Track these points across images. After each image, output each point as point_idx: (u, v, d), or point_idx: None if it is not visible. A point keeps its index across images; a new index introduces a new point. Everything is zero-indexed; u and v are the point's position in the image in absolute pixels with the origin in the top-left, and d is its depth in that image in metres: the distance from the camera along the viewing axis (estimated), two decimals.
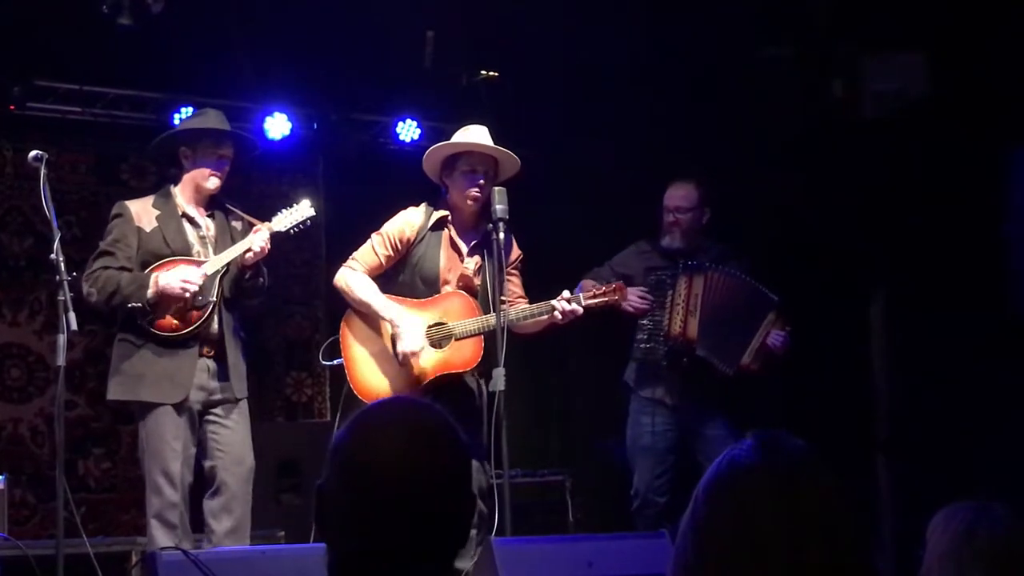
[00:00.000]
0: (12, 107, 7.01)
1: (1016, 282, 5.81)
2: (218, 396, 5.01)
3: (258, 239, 4.98)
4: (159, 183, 7.39)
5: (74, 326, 4.51)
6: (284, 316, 8.02)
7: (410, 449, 1.71)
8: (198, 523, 5.05)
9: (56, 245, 4.60)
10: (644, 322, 5.71)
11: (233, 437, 5.00)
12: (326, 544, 1.74)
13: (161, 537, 4.74)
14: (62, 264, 4.58)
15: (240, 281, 5.04)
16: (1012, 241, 5.83)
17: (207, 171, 5.10)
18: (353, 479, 1.72)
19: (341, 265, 5.32)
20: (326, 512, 1.74)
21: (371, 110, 7.90)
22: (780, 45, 6.49)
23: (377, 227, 5.30)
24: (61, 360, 4.58)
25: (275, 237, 5.08)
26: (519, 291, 5.28)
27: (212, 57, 6.99)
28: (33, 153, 4.75)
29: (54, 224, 4.64)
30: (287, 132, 7.53)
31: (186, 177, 5.16)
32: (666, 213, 5.75)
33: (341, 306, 5.34)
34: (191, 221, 5.13)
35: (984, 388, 5.76)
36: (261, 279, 5.10)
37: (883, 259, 6.46)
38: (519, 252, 5.30)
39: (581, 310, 5.04)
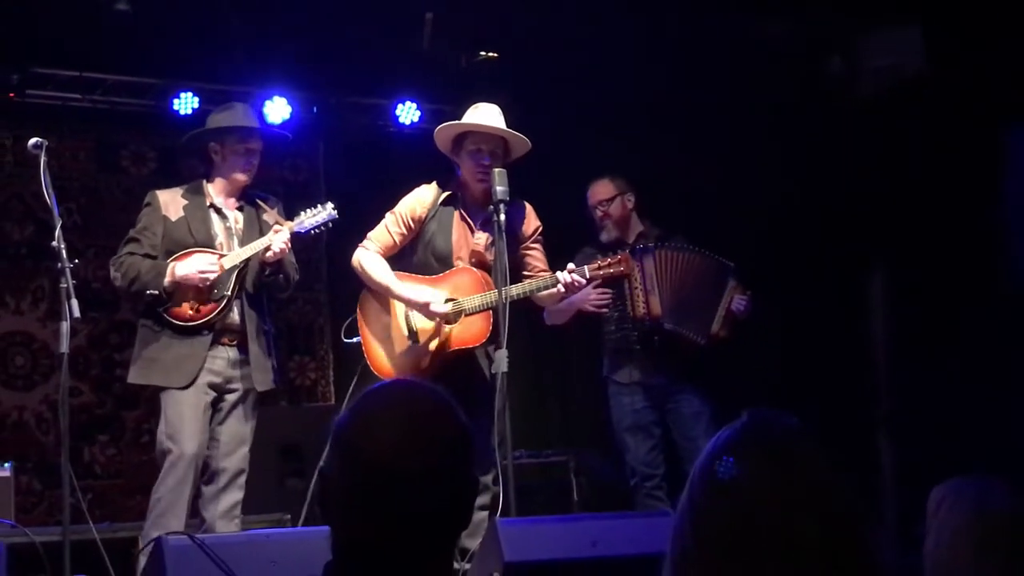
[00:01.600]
0: (11, 95, 7.02)
1: (1012, 259, 5.82)
2: (236, 385, 5.07)
3: (279, 240, 5.02)
4: (158, 170, 7.46)
5: (77, 313, 4.52)
6: (286, 301, 8.01)
7: (409, 433, 1.72)
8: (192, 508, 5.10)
9: (57, 232, 4.61)
10: (610, 314, 5.83)
11: (232, 429, 5.05)
12: (330, 527, 1.75)
13: (168, 520, 4.78)
14: (64, 251, 4.59)
15: (261, 277, 5.09)
16: (1008, 218, 5.83)
17: (236, 166, 5.15)
18: (353, 463, 1.73)
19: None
20: (329, 495, 1.75)
21: (371, 93, 7.90)
22: (776, 21, 6.48)
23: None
24: (65, 347, 4.60)
25: (295, 236, 5.13)
26: (541, 265, 5.26)
27: (211, 42, 6.98)
28: (33, 140, 4.75)
29: (55, 211, 4.65)
30: (287, 116, 7.52)
31: (217, 171, 5.22)
32: (594, 212, 6.00)
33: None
34: (219, 213, 5.18)
35: (983, 365, 5.77)
36: (282, 276, 5.16)
37: (881, 237, 6.45)
38: (538, 224, 5.29)
39: (585, 281, 5.04)
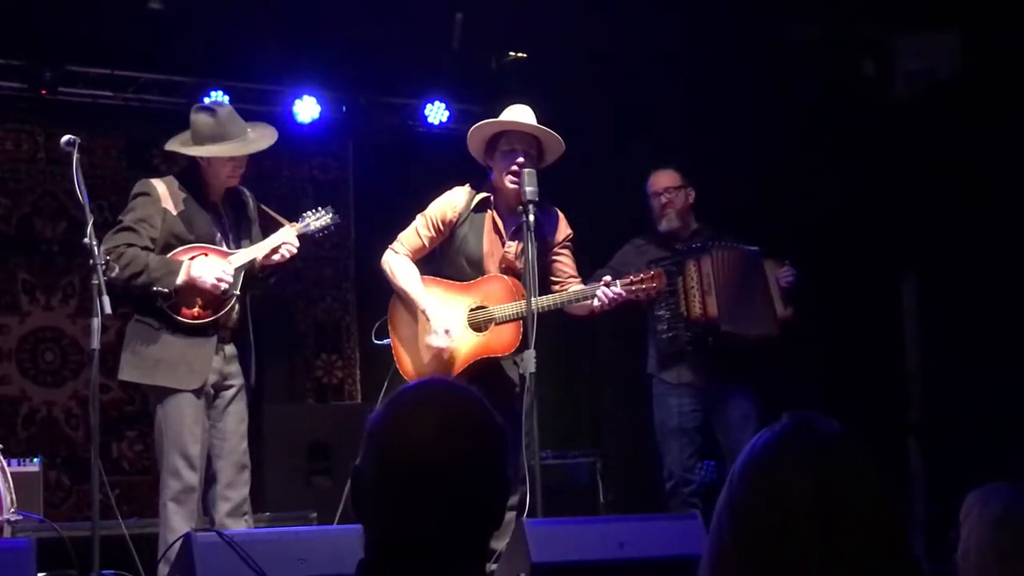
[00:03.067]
0: (44, 92, 7.06)
1: None
2: (231, 381, 5.01)
3: (291, 243, 5.00)
4: (189, 167, 7.48)
5: (108, 309, 4.50)
6: (314, 299, 8.06)
7: (444, 432, 1.72)
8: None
9: (89, 229, 4.59)
10: (660, 312, 5.76)
11: (230, 425, 4.99)
12: (362, 525, 1.75)
13: (178, 521, 4.75)
14: (96, 248, 4.58)
15: (255, 275, 5.06)
16: None
17: (222, 174, 5.03)
18: (387, 461, 1.72)
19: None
20: (362, 493, 1.75)
21: (400, 93, 7.92)
22: (809, 24, 6.45)
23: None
24: (96, 343, 4.59)
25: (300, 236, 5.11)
26: (570, 271, 5.23)
27: (242, 41, 7.02)
28: (66, 138, 4.74)
29: (87, 208, 4.64)
30: (316, 115, 7.56)
31: (203, 171, 5.06)
32: (655, 199, 5.91)
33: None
34: (213, 207, 5.10)
35: (1017, 370, 5.73)
36: (274, 278, 5.13)
37: (915, 239, 6.42)
38: (569, 231, 5.25)
39: (623, 293, 5.02)
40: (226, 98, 7.17)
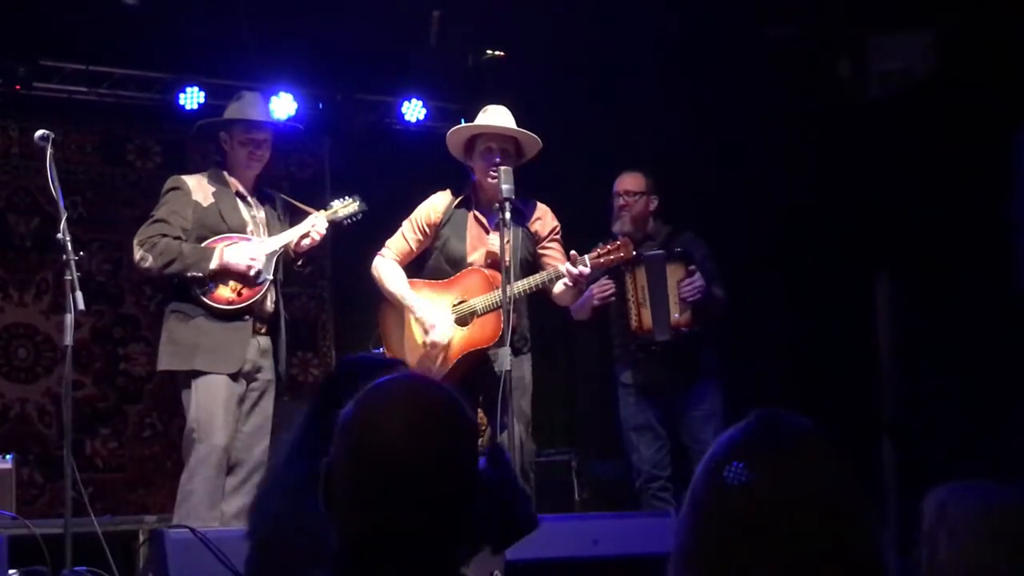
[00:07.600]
0: (18, 87, 7.00)
1: (1022, 263, 5.81)
2: (262, 375, 5.11)
3: (320, 228, 5.12)
4: (164, 164, 7.46)
5: (81, 306, 4.52)
6: (290, 297, 7.99)
7: (415, 428, 1.72)
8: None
9: (63, 225, 4.61)
10: (616, 321, 5.79)
11: (257, 421, 5.05)
12: (332, 522, 1.75)
13: (204, 510, 4.76)
14: (69, 244, 4.59)
15: (289, 266, 5.13)
16: (1019, 222, 5.83)
17: (242, 156, 5.15)
18: (358, 457, 1.73)
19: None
20: (333, 490, 1.74)
21: (377, 90, 7.90)
22: (785, 24, 6.47)
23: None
24: (69, 340, 4.59)
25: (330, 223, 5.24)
26: (559, 263, 5.23)
27: (218, 37, 6.98)
28: (39, 133, 4.75)
29: (61, 204, 4.66)
30: (293, 112, 7.52)
31: (230, 161, 5.23)
32: (616, 198, 5.84)
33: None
34: (243, 200, 5.18)
35: (989, 369, 5.76)
36: (309, 267, 5.21)
37: (888, 240, 6.45)
38: (555, 224, 5.34)
39: (588, 270, 5.05)
40: (202, 94, 7.16)
